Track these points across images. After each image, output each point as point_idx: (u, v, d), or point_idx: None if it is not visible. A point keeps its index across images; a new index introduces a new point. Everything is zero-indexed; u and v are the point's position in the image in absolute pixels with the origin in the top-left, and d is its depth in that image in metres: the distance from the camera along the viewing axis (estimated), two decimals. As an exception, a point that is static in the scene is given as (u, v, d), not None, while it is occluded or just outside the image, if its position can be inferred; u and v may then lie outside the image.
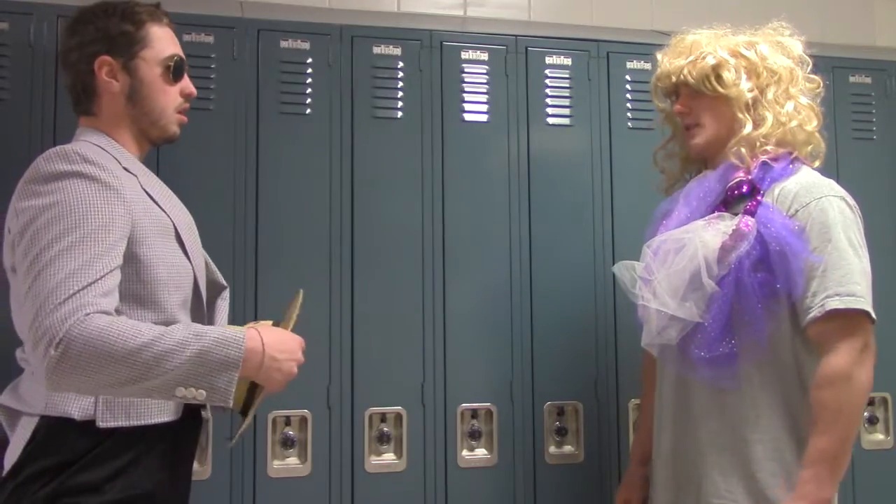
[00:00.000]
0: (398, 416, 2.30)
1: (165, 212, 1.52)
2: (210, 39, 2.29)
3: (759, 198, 1.75)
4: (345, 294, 2.30)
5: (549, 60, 2.53)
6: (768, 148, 1.82)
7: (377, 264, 2.34)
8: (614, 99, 2.56)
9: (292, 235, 2.28)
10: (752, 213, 1.72)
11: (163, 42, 1.62)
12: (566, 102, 2.52)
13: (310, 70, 2.35)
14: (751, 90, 1.83)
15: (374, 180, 2.37)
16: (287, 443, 2.23)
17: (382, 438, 2.29)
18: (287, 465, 2.23)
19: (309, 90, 2.35)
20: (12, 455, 1.41)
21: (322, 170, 2.33)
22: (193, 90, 1.69)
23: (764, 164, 1.80)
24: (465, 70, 2.46)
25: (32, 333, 1.28)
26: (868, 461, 2.60)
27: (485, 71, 2.48)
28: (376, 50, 2.41)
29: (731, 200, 1.80)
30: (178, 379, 1.30)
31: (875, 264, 2.68)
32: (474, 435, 2.36)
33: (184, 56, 1.68)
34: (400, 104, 2.40)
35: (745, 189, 1.78)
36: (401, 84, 2.41)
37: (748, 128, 1.81)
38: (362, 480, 2.26)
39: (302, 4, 2.59)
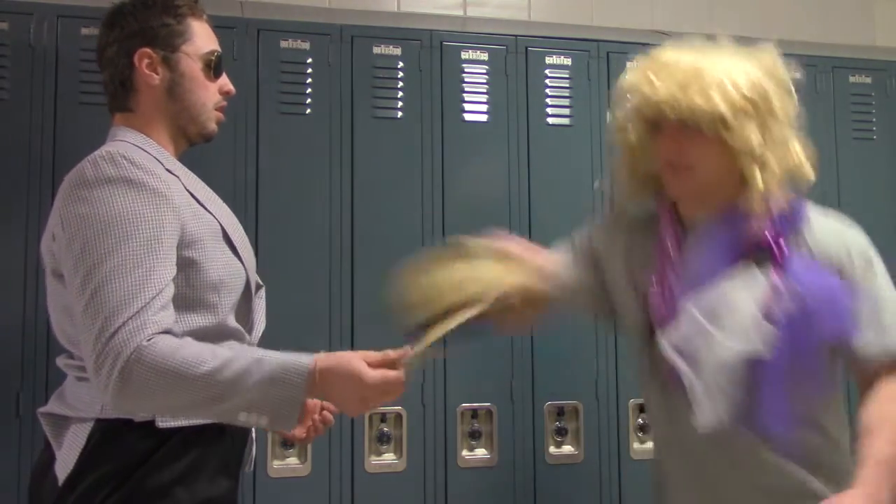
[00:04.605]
0: (398, 416, 2.30)
1: (211, 213, 1.49)
2: (210, 39, 2.29)
3: (783, 249, 1.61)
4: (345, 294, 2.30)
5: (549, 60, 2.53)
6: (777, 194, 1.64)
7: (377, 263, 2.34)
8: (614, 98, 2.55)
9: (292, 235, 2.28)
10: (782, 267, 1.58)
11: (203, 37, 1.58)
12: (566, 102, 2.53)
13: (310, 70, 2.35)
14: (756, 135, 1.63)
15: (374, 180, 2.37)
16: (287, 443, 2.23)
17: (382, 438, 2.29)
18: (287, 464, 2.23)
19: (309, 90, 2.35)
20: (66, 464, 1.37)
21: (322, 170, 2.33)
22: (232, 88, 1.64)
23: (778, 212, 1.64)
24: (465, 70, 2.46)
25: (94, 357, 1.26)
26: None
27: (485, 71, 2.48)
28: (376, 50, 2.41)
29: (749, 253, 1.63)
30: (241, 406, 1.29)
31: (875, 264, 2.69)
32: (474, 435, 2.36)
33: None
34: (400, 104, 2.41)
35: (766, 242, 1.62)
36: (401, 84, 2.41)
37: (757, 178, 1.62)
38: (362, 480, 2.27)
39: (302, 4, 2.59)
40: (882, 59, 2.83)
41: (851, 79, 2.75)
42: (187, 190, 1.47)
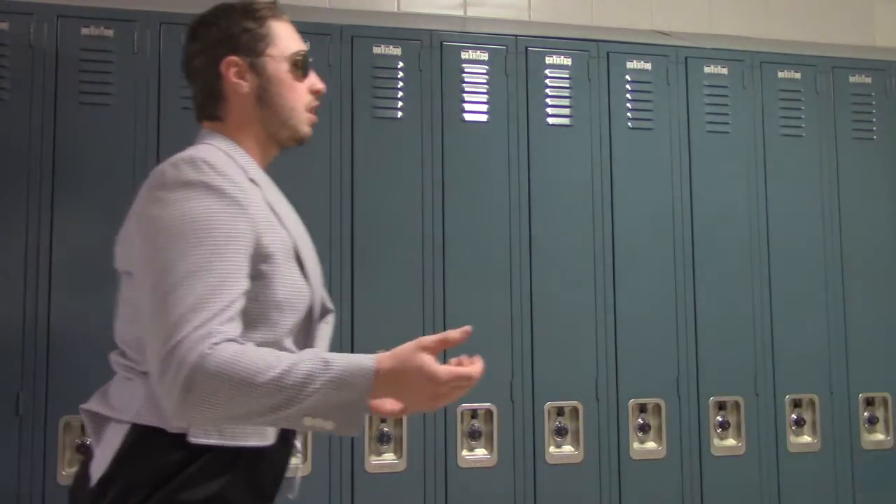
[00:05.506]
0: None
1: (287, 229, 1.45)
2: (210, 39, 2.29)
3: None
4: (344, 293, 2.30)
5: (548, 60, 2.53)
6: None
7: (377, 264, 2.34)
8: (614, 99, 2.56)
9: (292, 235, 2.28)
10: None
11: (287, 38, 1.55)
12: (566, 102, 2.52)
13: (310, 70, 2.35)
14: None
15: (374, 180, 2.37)
16: (287, 443, 2.23)
17: (382, 438, 2.29)
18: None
19: (309, 90, 2.35)
20: (101, 465, 1.34)
21: (322, 170, 2.33)
22: (322, 86, 1.59)
23: None
24: (465, 70, 2.46)
25: (158, 364, 1.23)
26: (868, 461, 2.61)
27: (485, 71, 2.48)
28: (376, 50, 2.41)
29: None
30: (306, 410, 1.25)
31: (875, 264, 2.69)
32: (474, 435, 2.36)
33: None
34: (400, 104, 2.40)
35: None
36: (401, 84, 2.41)
37: None
38: (362, 480, 2.26)
39: (302, 4, 2.58)
40: (882, 58, 2.83)
41: (851, 79, 2.75)
42: (267, 202, 1.44)
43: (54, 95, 2.19)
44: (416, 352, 1.31)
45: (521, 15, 2.80)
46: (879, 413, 2.64)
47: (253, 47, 1.50)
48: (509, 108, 2.48)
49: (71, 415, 2.11)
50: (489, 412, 2.37)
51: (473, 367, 1.35)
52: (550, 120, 2.51)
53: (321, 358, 1.27)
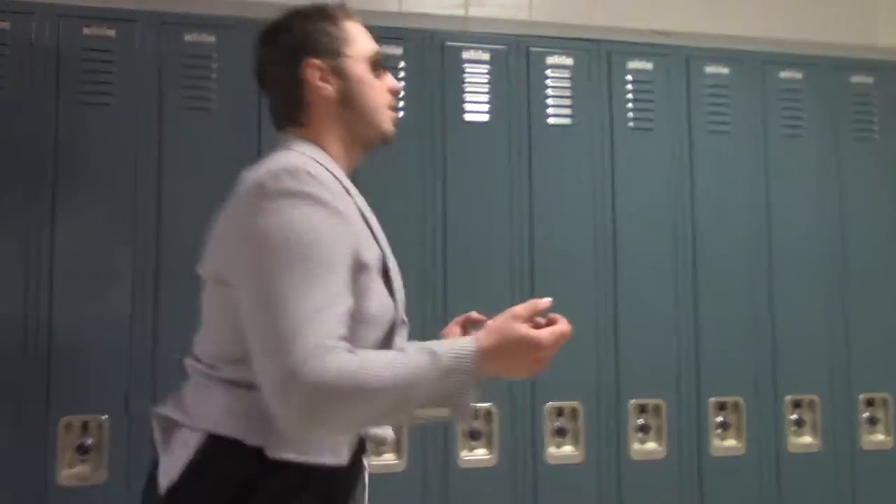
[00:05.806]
0: (399, 416, 2.31)
1: (377, 240, 1.43)
2: (212, 39, 2.29)
3: None
4: (345, 294, 2.30)
5: (550, 60, 2.53)
6: None
7: (378, 264, 2.34)
8: (615, 99, 2.55)
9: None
10: None
11: (363, 38, 1.54)
12: (567, 102, 2.52)
13: (311, 70, 2.35)
14: None
15: (374, 181, 2.36)
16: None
17: (383, 438, 2.29)
18: (287, 464, 2.23)
19: (310, 90, 2.34)
20: (171, 472, 1.31)
21: (323, 170, 2.33)
22: (398, 84, 1.59)
23: None
24: (467, 70, 2.46)
25: (276, 384, 1.19)
26: (868, 461, 2.60)
27: (486, 71, 2.47)
28: (377, 50, 2.40)
29: None
30: (420, 403, 1.26)
31: (875, 264, 2.69)
32: (474, 435, 2.36)
33: None
34: (401, 104, 2.40)
35: None
36: (402, 84, 2.41)
37: None
38: (363, 480, 2.27)
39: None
40: (884, 58, 2.82)
41: (853, 78, 2.75)
42: (360, 211, 1.42)
43: (55, 95, 2.18)
44: (512, 322, 1.33)
45: (523, 15, 2.79)
46: (880, 414, 2.64)
47: (332, 49, 1.48)
48: (510, 107, 2.48)
49: (71, 415, 2.12)
50: (489, 412, 2.37)
51: (564, 323, 1.39)
52: (551, 120, 2.51)
53: (427, 349, 1.27)
